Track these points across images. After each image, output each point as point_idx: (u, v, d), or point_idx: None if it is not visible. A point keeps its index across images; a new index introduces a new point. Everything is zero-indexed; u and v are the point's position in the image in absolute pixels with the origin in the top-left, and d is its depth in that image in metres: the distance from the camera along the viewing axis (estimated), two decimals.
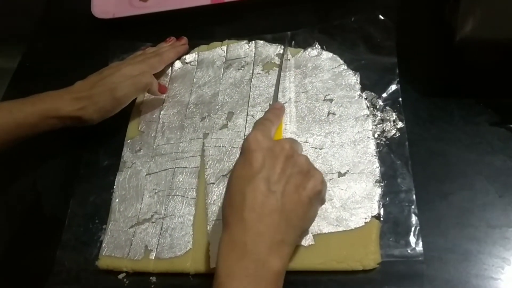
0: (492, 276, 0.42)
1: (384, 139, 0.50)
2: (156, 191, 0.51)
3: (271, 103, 0.54)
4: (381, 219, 0.45)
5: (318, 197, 0.42)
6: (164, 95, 0.58)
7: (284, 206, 0.39)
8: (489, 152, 0.48)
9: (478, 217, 0.45)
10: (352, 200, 0.46)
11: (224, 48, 0.60)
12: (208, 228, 0.48)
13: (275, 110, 0.49)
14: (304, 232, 0.44)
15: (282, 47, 0.58)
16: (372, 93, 0.53)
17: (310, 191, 0.40)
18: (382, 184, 0.47)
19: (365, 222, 0.45)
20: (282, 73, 0.56)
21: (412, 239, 0.44)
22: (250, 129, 0.52)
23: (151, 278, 0.47)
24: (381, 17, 0.58)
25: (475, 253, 0.43)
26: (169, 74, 0.60)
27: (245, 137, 0.42)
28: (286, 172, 0.40)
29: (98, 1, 0.67)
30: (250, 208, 0.38)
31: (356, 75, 0.54)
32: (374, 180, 0.47)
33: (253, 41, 0.59)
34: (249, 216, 0.38)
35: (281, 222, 0.39)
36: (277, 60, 0.57)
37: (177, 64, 0.60)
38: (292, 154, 0.42)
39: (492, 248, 0.43)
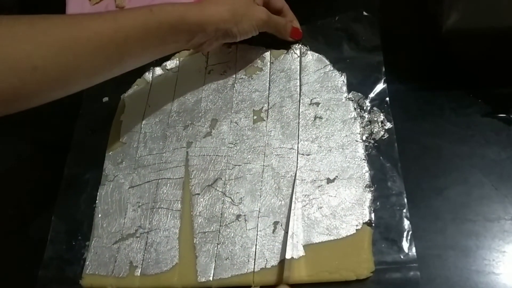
0: (493, 271, 0.41)
1: (372, 141, 0.48)
2: (140, 204, 0.49)
3: (254, 108, 0.52)
4: (373, 225, 0.44)
5: None
6: (145, 104, 0.56)
7: None
8: (482, 144, 0.47)
9: (475, 211, 0.44)
10: (342, 207, 0.45)
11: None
12: (194, 241, 0.46)
13: None
14: None
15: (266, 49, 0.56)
16: (359, 94, 0.51)
17: None
18: (372, 189, 0.45)
19: (356, 230, 0.43)
20: (265, 77, 0.54)
21: (405, 244, 0.43)
22: (234, 137, 0.51)
23: None
24: (365, 13, 0.56)
25: (475, 248, 0.42)
26: (150, 82, 0.58)
27: None
28: None
29: (73, 9, 0.64)
30: None
31: (343, 76, 0.52)
32: (364, 185, 0.45)
33: (235, 45, 0.57)
34: None
35: None
36: (259, 64, 0.55)
37: (158, 71, 0.58)
38: None
39: (492, 242, 0.42)
